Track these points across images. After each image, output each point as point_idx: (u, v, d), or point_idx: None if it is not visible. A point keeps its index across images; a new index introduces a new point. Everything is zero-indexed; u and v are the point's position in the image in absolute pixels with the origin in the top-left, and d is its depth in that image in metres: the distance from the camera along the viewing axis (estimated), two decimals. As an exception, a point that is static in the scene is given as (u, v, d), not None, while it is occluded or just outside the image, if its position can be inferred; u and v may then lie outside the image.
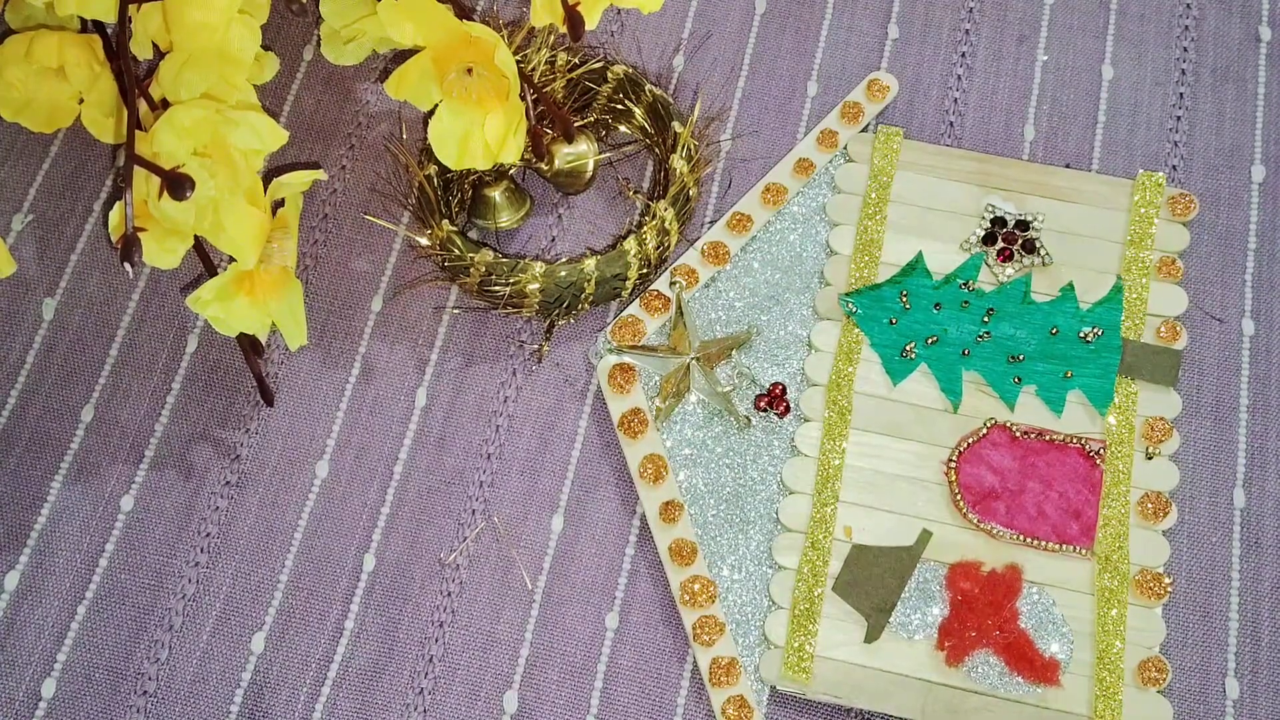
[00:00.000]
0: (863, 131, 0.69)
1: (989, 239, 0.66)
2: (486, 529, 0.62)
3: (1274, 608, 0.60)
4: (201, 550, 0.62)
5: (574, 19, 0.60)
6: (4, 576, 0.62)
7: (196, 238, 0.59)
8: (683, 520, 0.61)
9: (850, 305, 0.64)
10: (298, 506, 0.63)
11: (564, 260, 0.65)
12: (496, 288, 0.64)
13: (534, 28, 0.63)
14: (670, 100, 0.68)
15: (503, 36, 0.60)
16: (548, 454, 0.64)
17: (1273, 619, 0.60)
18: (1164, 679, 0.58)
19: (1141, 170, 0.68)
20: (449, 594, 0.61)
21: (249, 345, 0.63)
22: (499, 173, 0.67)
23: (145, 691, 0.60)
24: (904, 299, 0.65)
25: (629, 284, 0.65)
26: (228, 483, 0.63)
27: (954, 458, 0.62)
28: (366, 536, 0.62)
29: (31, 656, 0.60)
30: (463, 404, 0.65)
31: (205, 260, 0.62)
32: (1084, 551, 0.60)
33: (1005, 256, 0.65)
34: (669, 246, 0.66)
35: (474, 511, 0.63)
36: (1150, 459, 0.62)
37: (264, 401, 0.64)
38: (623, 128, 0.70)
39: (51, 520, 0.63)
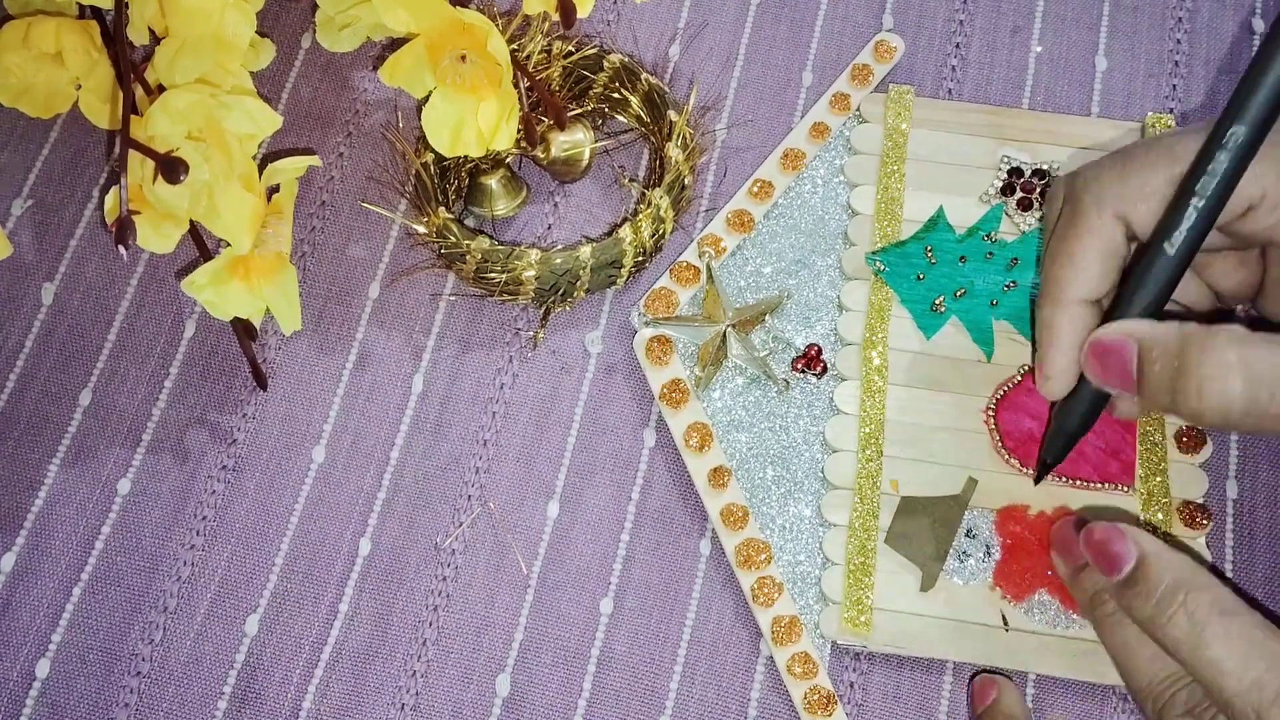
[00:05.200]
0: (874, 92, 0.70)
1: (1007, 189, 0.66)
2: (482, 515, 0.63)
3: (1268, 598, 0.60)
4: (197, 534, 0.63)
5: (566, 7, 0.60)
6: (0, 558, 0.62)
7: (191, 222, 0.60)
8: (731, 485, 0.62)
9: (878, 263, 0.65)
10: (294, 491, 0.63)
11: (560, 248, 0.65)
12: (492, 275, 0.64)
13: (529, 15, 0.63)
14: (666, 89, 0.69)
15: (497, 24, 0.61)
16: (543, 441, 0.64)
17: (1266, 609, 0.60)
18: None
19: (1150, 113, 0.68)
20: (444, 578, 0.61)
21: (242, 330, 0.63)
22: (495, 161, 0.67)
23: (139, 672, 0.60)
24: (929, 254, 0.65)
25: (624, 271, 0.66)
26: (224, 467, 0.64)
27: (992, 405, 0.62)
28: (362, 521, 0.63)
29: (26, 637, 0.61)
30: (459, 390, 0.65)
31: (200, 245, 0.62)
32: (1126, 489, 0.61)
33: (1025, 205, 0.66)
34: (664, 234, 0.66)
35: (470, 497, 0.63)
36: None
37: (258, 385, 0.65)
38: (619, 116, 0.71)
39: (48, 503, 0.63)
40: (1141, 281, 0.54)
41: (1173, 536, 0.59)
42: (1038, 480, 0.60)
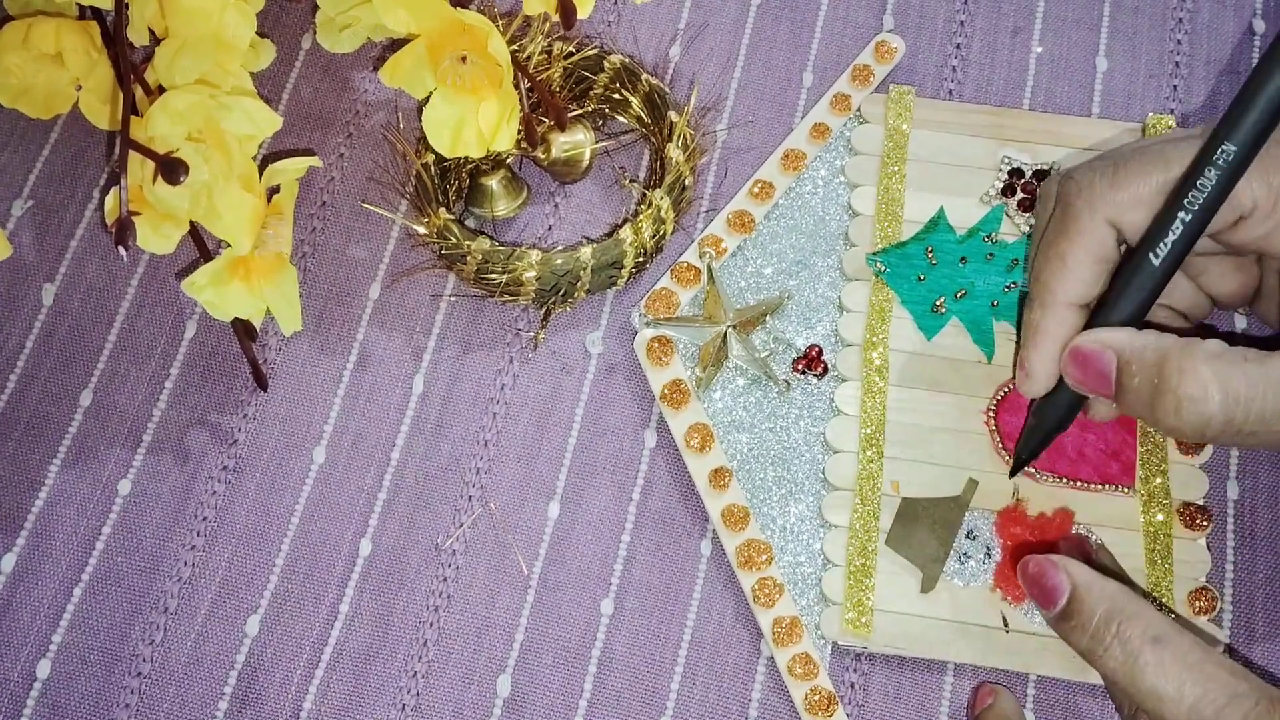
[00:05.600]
0: (874, 93, 0.70)
1: (1008, 190, 0.66)
2: (483, 515, 0.63)
3: (1268, 599, 0.60)
4: (198, 534, 0.63)
5: (566, 7, 0.60)
6: (1, 559, 0.62)
7: (191, 223, 0.60)
8: (732, 486, 0.62)
9: (878, 264, 0.65)
10: (294, 491, 0.63)
11: (560, 249, 0.65)
12: (493, 276, 0.64)
13: (529, 16, 0.63)
14: (666, 90, 0.69)
15: (497, 25, 0.61)
16: (544, 441, 0.64)
17: (1267, 610, 0.60)
18: (1215, 607, 0.59)
19: (1151, 114, 0.69)
20: (444, 579, 0.61)
21: (243, 330, 0.63)
22: (496, 161, 0.67)
23: (140, 673, 0.60)
24: (930, 255, 0.65)
25: (625, 272, 0.66)
26: (225, 467, 0.64)
27: (993, 406, 0.62)
28: (363, 522, 0.63)
29: (27, 637, 0.61)
30: (459, 391, 0.65)
31: (200, 245, 0.62)
32: (1126, 490, 0.61)
33: (1026, 206, 0.66)
34: (665, 235, 0.66)
35: (470, 498, 0.63)
36: None
37: (258, 386, 0.65)
38: (619, 117, 0.71)
39: (49, 503, 0.63)
40: (1125, 289, 0.55)
41: (1111, 570, 0.59)
42: (1013, 474, 0.60)
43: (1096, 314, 0.56)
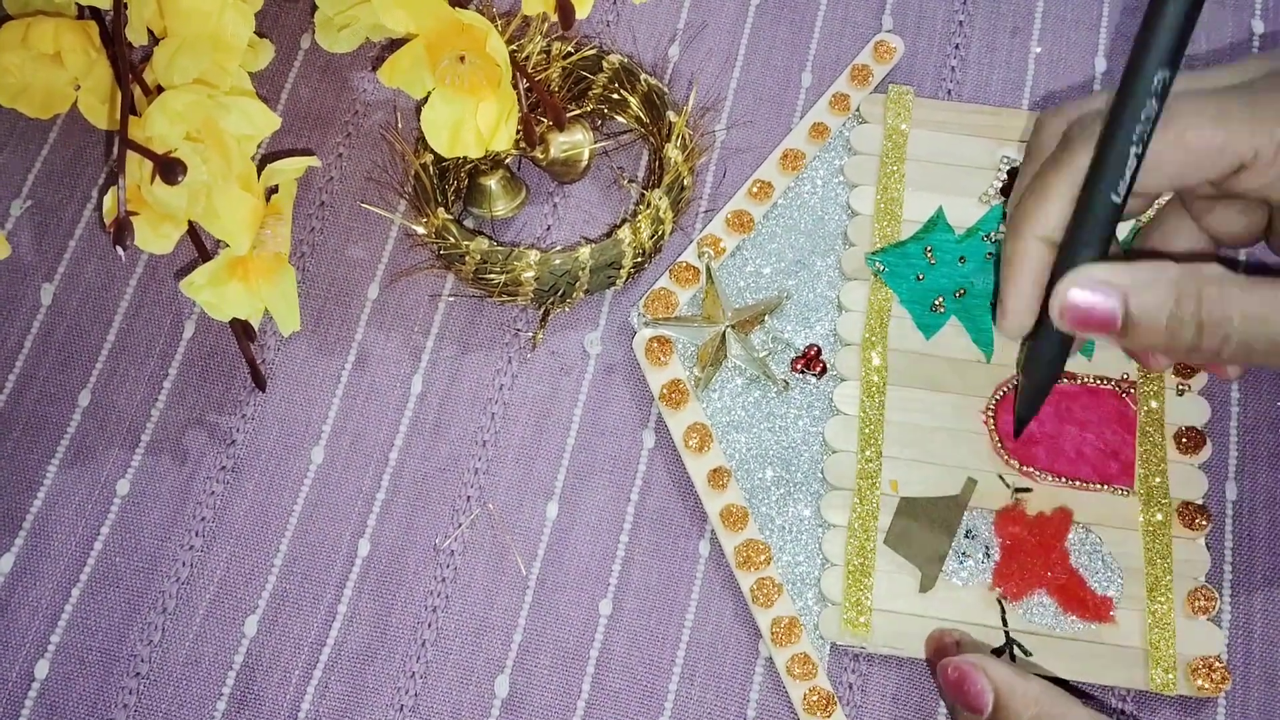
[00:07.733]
0: (873, 93, 0.70)
1: (1006, 190, 0.66)
2: (481, 515, 0.63)
3: (1266, 600, 0.60)
4: (196, 534, 0.62)
5: (564, 8, 0.60)
6: (-1, 558, 0.62)
7: (190, 223, 0.60)
8: (731, 486, 0.62)
9: (877, 264, 0.65)
10: (293, 491, 0.63)
11: (559, 249, 0.65)
12: (491, 276, 0.64)
13: (528, 16, 0.63)
14: (665, 90, 0.68)
15: (496, 25, 0.61)
16: (542, 441, 0.64)
17: (1265, 611, 0.60)
18: (1213, 606, 0.59)
19: None
20: (443, 579, 0.61)
21: (241, 330, 0.63)
22: (495, 161, 0.67)
23: (138, 673, 0.60)
24: (929, 254, 0.65)
25: (623, 272, 0.66)
26: (223, 467, 0.64)
27: (991, 406, 0.62)
28: (361, 522, 0.63)
29: (25, 638, 0.61)
30: (458, 391, 0.65)
31: (199, 245, 0.62)
32: (1125, 490, 0.61)
33: None
34: (664, 235, 0.66)
35: (469, 498, 0.63)
36: (1181, 395, 0.63)
37: (256, 386, 0.65)
38: (618, 117, 0.70)
39: (47, 504, 0.63)
40: (1089, 227, 0.53)
41: (1027, 669, 0.58)
42: (1016, 434, 0.60)
43: (1061, 259, 0.54)
